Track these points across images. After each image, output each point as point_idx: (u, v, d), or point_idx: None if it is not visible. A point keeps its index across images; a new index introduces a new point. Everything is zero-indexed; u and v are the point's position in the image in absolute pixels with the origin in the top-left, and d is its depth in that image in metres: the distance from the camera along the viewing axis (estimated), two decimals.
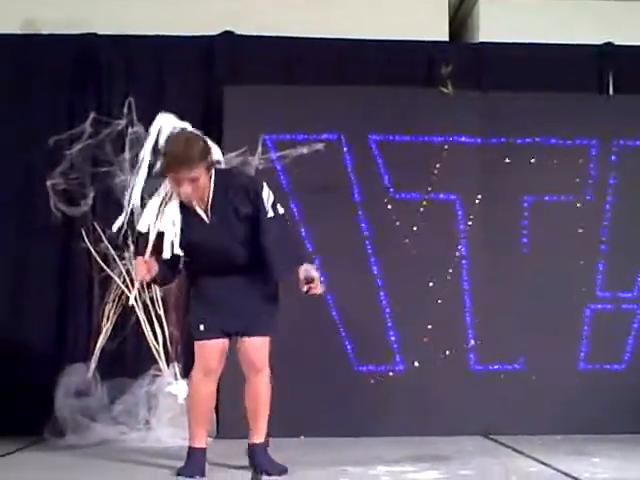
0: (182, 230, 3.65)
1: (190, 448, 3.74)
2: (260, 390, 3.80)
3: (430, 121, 5.22)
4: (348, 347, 4.97)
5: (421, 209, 5.13)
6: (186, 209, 3.68)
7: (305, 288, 3.62)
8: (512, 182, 5.20)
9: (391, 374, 5.00)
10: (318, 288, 3.64)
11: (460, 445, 4.48)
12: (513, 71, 5.55)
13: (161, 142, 3.73)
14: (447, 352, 5.01)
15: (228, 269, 3.70)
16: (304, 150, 4.83)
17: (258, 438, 3.81)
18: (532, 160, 5.21)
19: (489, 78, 5.52)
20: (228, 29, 5.37)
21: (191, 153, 3.51)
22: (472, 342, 5.05)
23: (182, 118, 5.13)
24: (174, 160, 3.51)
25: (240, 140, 4.84)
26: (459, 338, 5.05)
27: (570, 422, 4.95)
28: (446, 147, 5.20)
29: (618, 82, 5.74)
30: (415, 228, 5.10)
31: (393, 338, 5.01)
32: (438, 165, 5.17)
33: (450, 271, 5.11)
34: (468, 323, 5.07)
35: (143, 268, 3.60)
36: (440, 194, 5.17)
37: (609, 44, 5.74)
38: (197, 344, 3.77)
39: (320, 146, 4.87)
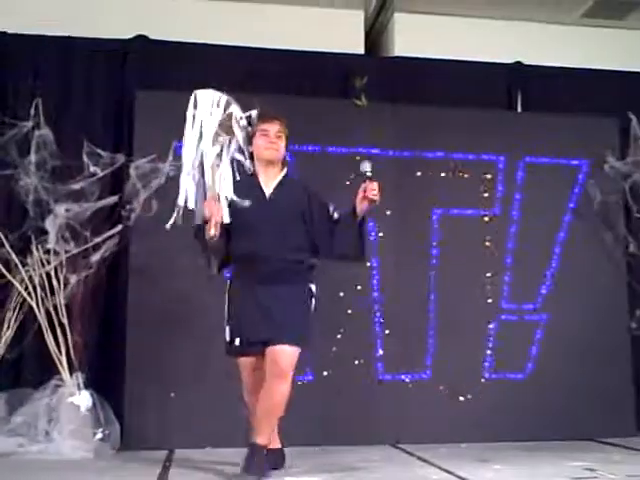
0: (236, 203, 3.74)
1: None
2: (274, 396, 3.76)
3: (343, 133, 5.25)
4: None
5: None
6: (246, 184, 3.83)
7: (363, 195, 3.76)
8: (423, 195, 5.29)
9: (300, 383, 4.97)
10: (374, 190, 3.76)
11: (368, 454, 4.49)
12: (426, 86, 5.67)
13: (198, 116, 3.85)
14: (356, 362, 5.03)
15: (270, 267, 3.74)
16: None
17: (257, 439, 3.75)
18: (442, 174, 5.31)
19: (403, 92, 5.60)
20: (142, 33, 5.32)
21: (281, 116, 3.96)
22: (381, 352, 5.09)
23: (92, 122, 5.16)
24: (269, 113, 3.92)
25: (151, 146, 4.79)
26: (368, 348, 5.08)
27: (476, 430, 5.02)
28: (358, 159, 5.24)
29: (526, 100, 5.94)
30: None
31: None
32: (351, 176, 5.21)
33: (360, 281, 5.14)
34: (377, 333, 5.10)
35: (214, 206, 3.69)
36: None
37: (518, 63, 5.92)
38: (237, 360, 3.87)
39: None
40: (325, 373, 5.01)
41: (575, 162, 5.56)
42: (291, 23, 5.70)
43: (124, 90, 5.23)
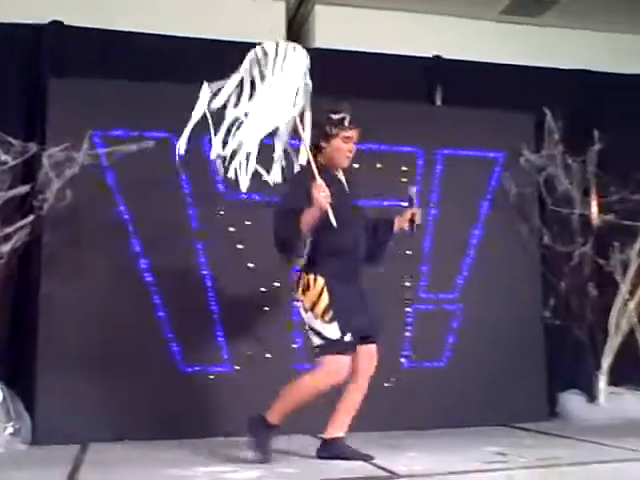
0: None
1: (265, 421, 3.88)
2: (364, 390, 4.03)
3: None
4: (174, 348, 4.88)
5: (252, 210, 5.13)
6: (327, 177, 3.81)
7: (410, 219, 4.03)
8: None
9: (218, 375, 4.96)
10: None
11: (287, 444, 4.45)
12: (347, 78, 5.66)
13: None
14: (272, 353, 5.02)
15: (358, 261, 3.92)
16: (133, 147, 4.74)
17: (341, 433, 4.03)
18: (356, 165, 5.28)
19: (323, 84, 5.58)
20: (56, 19, 5.18)
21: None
22: (298, 343, 5.08)
23: (3, 110, 5.02)
24: (354, 120, 3.96)
25: (65, 135, 4.70)
26: (285, 339, 5.08)
27: (394, 418, 5.06)
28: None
29: (445, 94, 6.02)
30: (246, 229, 5.10)
31: (220, 339, 4.97)
32: (270, 169, 5.19)
33: (280, 274, 5.11)
34: (295, 323, 5.09)
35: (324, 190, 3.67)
36: (271, 197, 5.19)
37: (437, 57, 6.00)
38: (337, 357, 3.77)
39: (150, 144, 4.79)
40: (243, 364, 4.99)
41: (492, 155, 5.67)
42: (212, 12, 5.65)
43: (38, 77, 5.10)
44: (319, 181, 3.69)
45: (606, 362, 5.62)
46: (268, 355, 5.01)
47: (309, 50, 5.74)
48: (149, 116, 4.96)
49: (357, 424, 4.88)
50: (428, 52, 5.98)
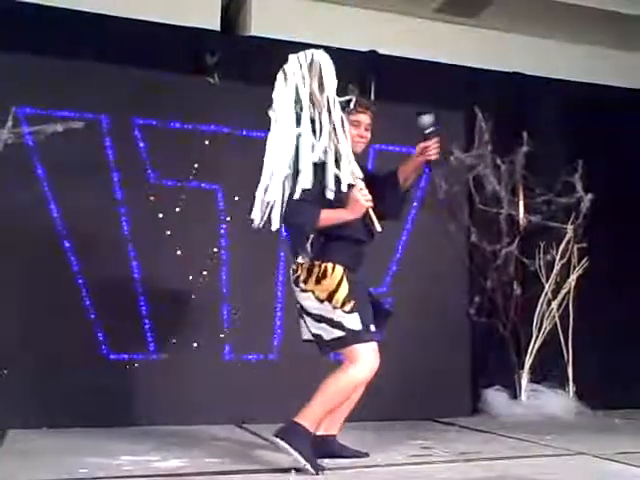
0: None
1: (303, 428, 3.46)
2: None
3: (196, 110, 5.15)
4: (100, 335, 4.77)
5: (182, 197, 5.05)
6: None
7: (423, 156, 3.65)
8: None
9: (145, 363, 4.85)
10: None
11: (211, 434, 4.45)
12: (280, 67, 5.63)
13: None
14: (202, 341, 4.95)
15: (367, 245, 3.71)
16: (59, 127, 4.60)
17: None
18: None
19: (257, 72, 5.53)
20: None
21: (372, 106, 3.83)
22: (227, 332, 5.03)
23: None
24: (364, 103, 3.78)
25: None
26: (215, 328, 5.01)
27: None
28: (210, 137, 5.16)
29: (379, 89, 6.03)
30: (175, 216, 5.01)
31: (148, 326, 4.87)
32: (201, 154, 5.12)
33: (209, 261, 5.07)
34: (224, 313, 5.05)
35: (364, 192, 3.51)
36: (202, 183, 5.12)
37: (373, 52, 6.00)
38: (365, 345, 3.53)
39: (78, 125, 4.67)
40: (171, 353, 4.89)
41: None
42: None
43: None
44: (360, 183, 3.51)
45: (528, 360, 5.74)
46: (195, 344, 4.93)
47: (244, 38, 5.80)
48: (79, 96, 4.82)
49: (285, 416, 4.88)
50: (364, 46, 5.97)
